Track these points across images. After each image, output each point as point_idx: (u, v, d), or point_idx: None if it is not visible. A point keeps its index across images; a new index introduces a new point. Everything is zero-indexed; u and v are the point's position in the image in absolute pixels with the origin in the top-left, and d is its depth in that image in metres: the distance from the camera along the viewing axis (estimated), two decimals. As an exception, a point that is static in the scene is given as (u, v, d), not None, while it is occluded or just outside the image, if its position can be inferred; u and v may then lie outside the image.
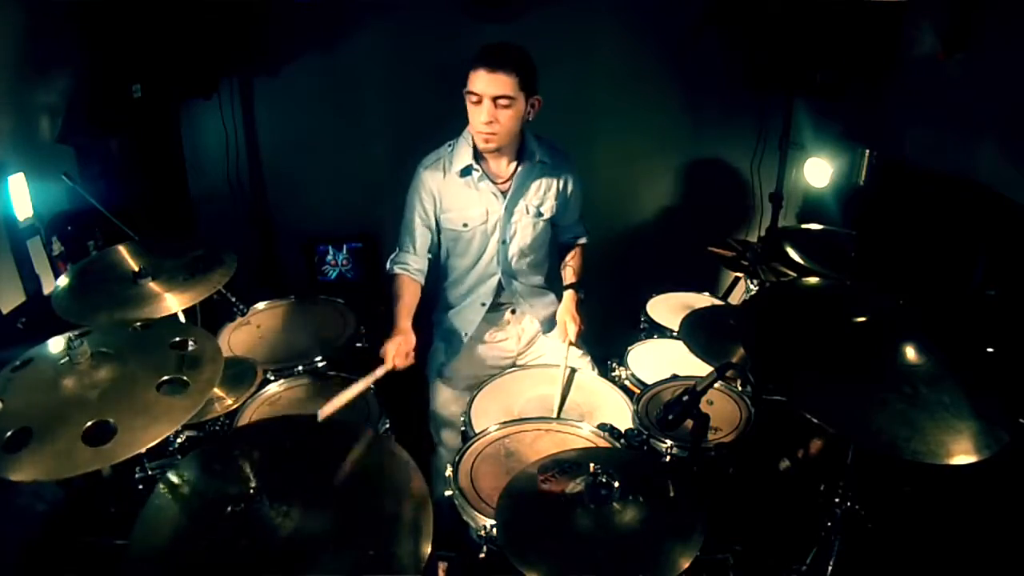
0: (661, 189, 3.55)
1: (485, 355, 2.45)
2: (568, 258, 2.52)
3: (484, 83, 2.02)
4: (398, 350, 2.09)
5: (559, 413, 2.08)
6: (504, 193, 2.26)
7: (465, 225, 2.28)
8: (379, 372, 2.05)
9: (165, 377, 1.38)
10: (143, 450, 1.27)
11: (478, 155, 2.22)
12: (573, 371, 2.26)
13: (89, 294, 1.88)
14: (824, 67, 2.74)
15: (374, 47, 3.13)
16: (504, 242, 2.32)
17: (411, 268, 2.29)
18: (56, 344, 1.43)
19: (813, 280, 2.13)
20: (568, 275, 2.47)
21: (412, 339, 2.16)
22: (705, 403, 1.55)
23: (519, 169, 2.25)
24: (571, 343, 2.30)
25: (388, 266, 2.33)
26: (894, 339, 1.41)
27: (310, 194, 3.38)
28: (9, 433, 1.22)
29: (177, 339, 1.49)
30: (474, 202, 2.26)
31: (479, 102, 2.05)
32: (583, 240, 2.55)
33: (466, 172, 2.22)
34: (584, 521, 1.42)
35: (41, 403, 1.31)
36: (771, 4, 2.81)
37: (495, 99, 2.03)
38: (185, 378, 1.39)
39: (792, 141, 3.28)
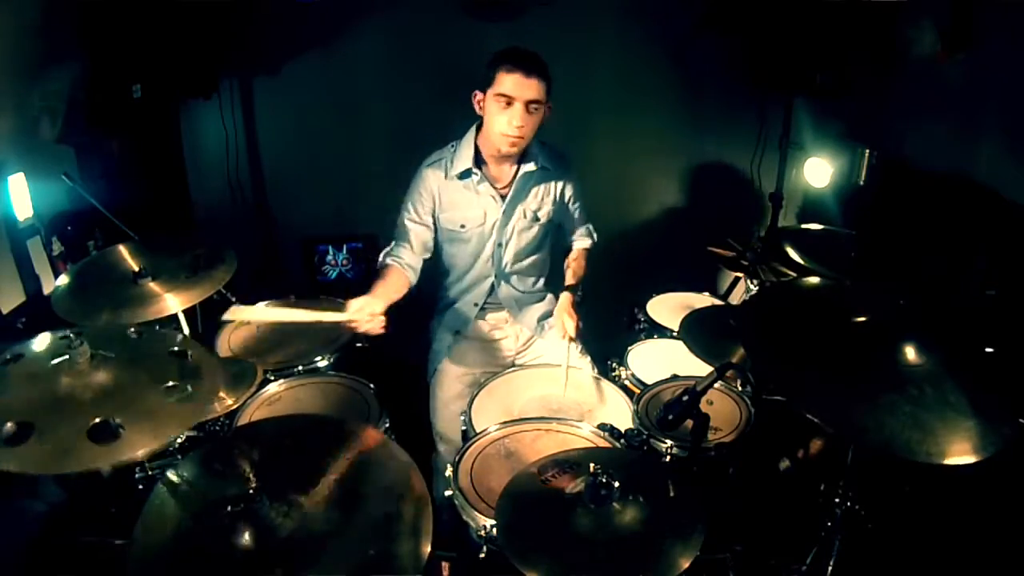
0: (661, 189, 3.55)
1: (484, 354, 2.45)
2: (571, 259, 2.52)
3: (520, 87, 2.02)
4: (363, 305, 2.01)
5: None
6: (503, 196, 2.27)
7: (463, 226, 2.29)
8: (333, 317, 2.00)
9: (170, 383, 1.37)
10: (147, 452, 1.26)
11: (480, 159, 2.23)
12: (572, 370, 2.25)
13: (89, 294, 1.89)
14: (824, 67, 2.74)
15: (374, 47, 3.13)
16: (500, 245, 2.33)
17: (403, 262, 2.29)
18: (44, 341, 1.42)
19: (813, 280, 2.12)
20: (568, 276, 2.46)
21: (380, 306, 2.04)
22: (705, 403, 1.55)
23: (520, 173, 2.25)
24: (571, 339, 2.28)
25: (380, 258, 2.32)
26: (894, 339, 1.41)
27: (310, 194, 3.38)
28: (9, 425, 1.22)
29: (176, 348, 1.48)
30: (473, 204, 2.27)
31: (510, 104, 2.04)
32: (588, 244, 2.55)
33: (466, 175, 2.23)
34: (584, 521, 1.42)
35: (40, 399, 1.30)
36: (771, 4, 2.81)
37: (528, 103, 2.04)
38: (189, 387, 1.38)
39: (792, 141, 3.28)
